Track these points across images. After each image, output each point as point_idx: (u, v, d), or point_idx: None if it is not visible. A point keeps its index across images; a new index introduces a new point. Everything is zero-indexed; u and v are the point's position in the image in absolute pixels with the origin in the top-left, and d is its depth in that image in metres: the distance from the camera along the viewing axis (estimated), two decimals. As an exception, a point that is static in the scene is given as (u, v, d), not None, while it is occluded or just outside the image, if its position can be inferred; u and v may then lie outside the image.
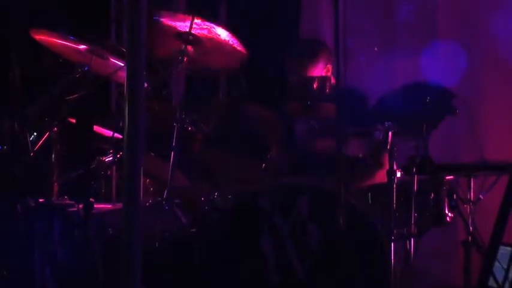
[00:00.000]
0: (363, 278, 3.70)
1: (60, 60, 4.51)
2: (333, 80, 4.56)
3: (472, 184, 4.24)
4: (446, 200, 4.18)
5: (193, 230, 4.16)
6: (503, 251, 4.59)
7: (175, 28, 4.29)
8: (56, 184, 4.12)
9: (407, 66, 5.93)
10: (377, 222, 3.89)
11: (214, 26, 4.26)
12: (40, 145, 4.13)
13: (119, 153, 4.28)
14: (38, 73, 4.55)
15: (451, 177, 4.27)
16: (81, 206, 3.79)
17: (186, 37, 4.25)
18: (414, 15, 6.11)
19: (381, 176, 4.25)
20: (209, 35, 4.29)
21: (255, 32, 5.99)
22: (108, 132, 4.60)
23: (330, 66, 4.97)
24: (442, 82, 4.09)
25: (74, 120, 4.42)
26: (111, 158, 4.34)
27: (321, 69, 4.94)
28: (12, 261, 3.85)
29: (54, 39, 4.34)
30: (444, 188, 4.18)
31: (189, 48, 4.28)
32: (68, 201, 4.00)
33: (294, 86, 4.91)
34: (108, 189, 4.56)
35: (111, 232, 3.90)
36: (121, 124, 4.16)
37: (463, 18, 5.91)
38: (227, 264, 3.90)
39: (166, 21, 4.26)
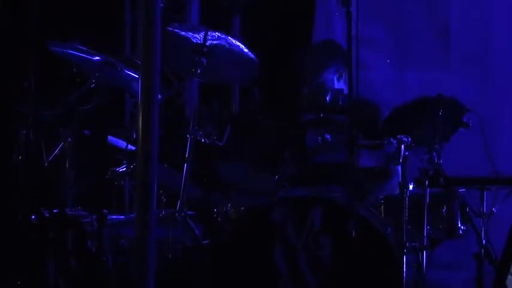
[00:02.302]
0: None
1: (75, 70, 4.52)
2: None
3: (485, 197, 4.24)
4: (459, 212, 4.18)
5: (206, 241, 4.17)
6: (516, 264, 4.57)
7: (189, 40, 4.31)
8: (69, 195, 4.13)
9: (420, 79, 5.94)
10: (390, 234, 3.89)
11: (228, 37, 4.28)
12: (54, 155, 4.14)
13: (132, 164, 4.29)
14: (53, 83, 4.56)
15: (464, 190, 4.27)
16: (94, 216, 3.80)
17: (200, 49, 4.27)
18: (426, 28, 6.12)
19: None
20: (223, 46, 4.31)
21: (268, 43, 6.00)
22: (122, 143, 4.61)
23: (342, 72, 4.83)
24: (454, 95, 4.10)
25: (88, 131, 4.43)
26: (124, 169, 4.35)
27: (333, 73, 4.82)
28: (25, 271, 3.86)
29: (69, 50, 4.36)
30: (457, 200, 4.18)
31: (203, 60, 4.29)
32: (81, 212, 4.01)
33: (306, 97, 4.91)
34: (121, 200, 4.57)
35: (124, 243, 3.91)
36: (134, 136, 4.18)
37: (475, 31, 5.92)
38: (239, 276, 3.91)
39: (180, 32, 4.28)
